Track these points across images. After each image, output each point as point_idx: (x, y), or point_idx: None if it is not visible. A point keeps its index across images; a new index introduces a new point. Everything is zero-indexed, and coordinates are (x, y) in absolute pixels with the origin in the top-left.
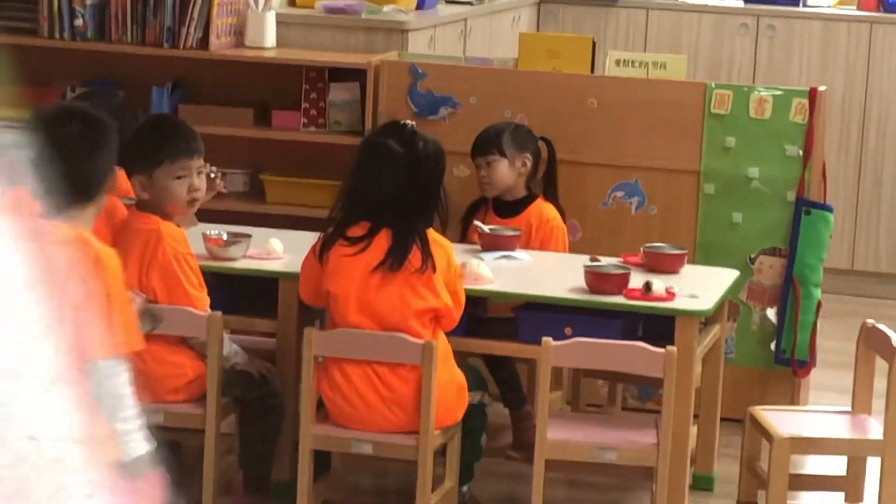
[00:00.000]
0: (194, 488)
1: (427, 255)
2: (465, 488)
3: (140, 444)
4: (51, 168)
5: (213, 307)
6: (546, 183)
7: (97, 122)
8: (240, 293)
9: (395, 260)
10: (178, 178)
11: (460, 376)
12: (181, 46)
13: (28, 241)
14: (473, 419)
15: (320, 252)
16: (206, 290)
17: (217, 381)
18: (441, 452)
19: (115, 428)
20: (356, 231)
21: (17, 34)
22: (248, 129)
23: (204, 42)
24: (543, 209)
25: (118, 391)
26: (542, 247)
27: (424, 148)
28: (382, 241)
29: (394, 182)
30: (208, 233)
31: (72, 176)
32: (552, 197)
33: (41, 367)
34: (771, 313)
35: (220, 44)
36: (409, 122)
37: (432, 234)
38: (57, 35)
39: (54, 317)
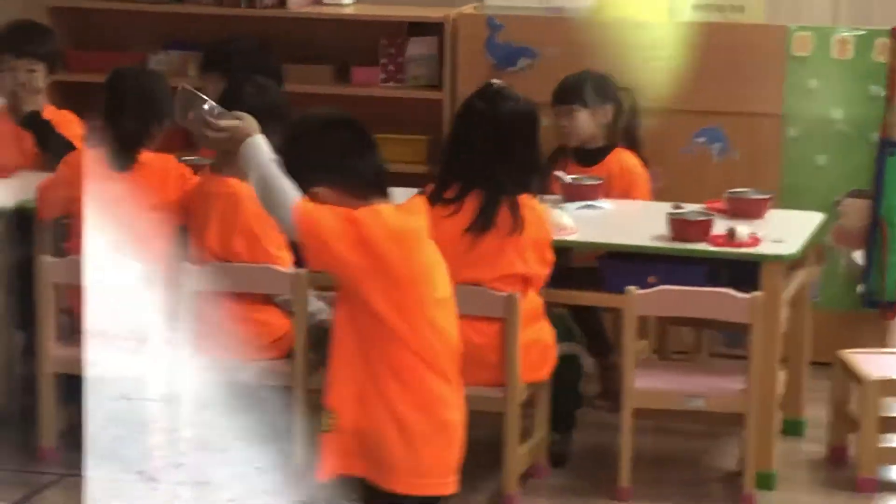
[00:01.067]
0: (285, 444)
1: (517, 218)
2: (570, 437)
3: None
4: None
5: (296, 265)
6: (628, 131)
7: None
8: None
9: (483, 223)
10: None
11: (549, 336)
12: (259, 5)
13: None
14: (568, 370)
15: None
16: (287, 249)
17: (304, 337)
18: (529, 405)
19: None
20: (449, 193)
21: None
22: (328, 86)
23: (282, 0)
24: (624, 157)
25: None
26: (625, 195)
27: (509, 106)
28: (472, 204)
29: (478, 142)
30: None
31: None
32: (634, 145)
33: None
34: (857, 255)
35: (297, 2)
36: (496, 81)
37: (526, 199)
38: None
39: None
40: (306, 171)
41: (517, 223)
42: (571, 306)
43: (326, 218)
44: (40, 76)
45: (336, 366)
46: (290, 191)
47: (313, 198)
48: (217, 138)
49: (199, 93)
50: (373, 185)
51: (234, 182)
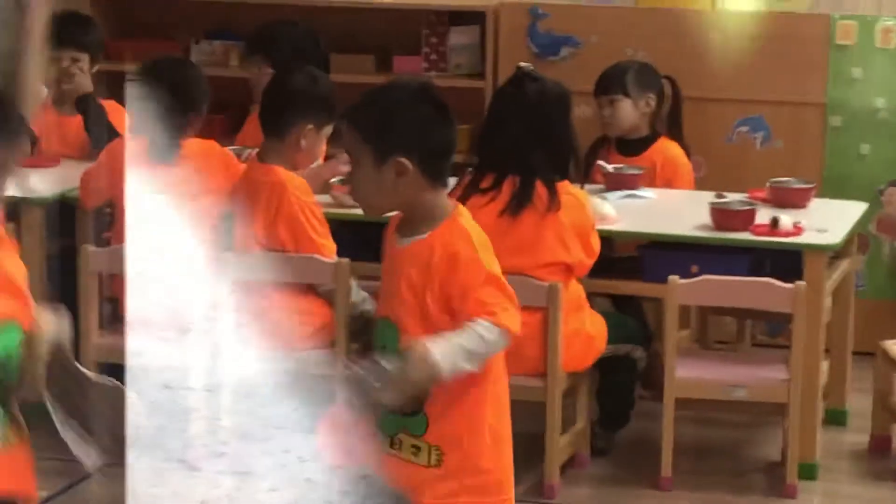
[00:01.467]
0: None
1: (553, 198)
2: (615, 435)
3: None
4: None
5: (339, 254)
6: (671, 121)
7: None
8: (366, 240)
9: (518, 203)
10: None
11: (595, 328)
12: None
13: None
14: (624, 370)
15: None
16: (331, 238)
17: (345, 327)
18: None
19: None
20: (485, 182)
21: None
22: (370, 75)
23: None
24: (668, 147)
25: None
26: (668, 186)
27: (536, 88)
28: (508, 189)
29: (509, 126)
30: (335, 181)
31: None
32: (677, 135)
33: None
34: None
35: None
36: (524, 64)
37: (567, 185)
38: None
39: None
40: (394, 137)
41: (554, 203)
42: (613, 295)
43: (504, 302)
44: (84, 66)
45: (442, 398)
46: (476, 338)
47: (396, 168)
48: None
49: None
50: (446, 167)
51: (279, 170)
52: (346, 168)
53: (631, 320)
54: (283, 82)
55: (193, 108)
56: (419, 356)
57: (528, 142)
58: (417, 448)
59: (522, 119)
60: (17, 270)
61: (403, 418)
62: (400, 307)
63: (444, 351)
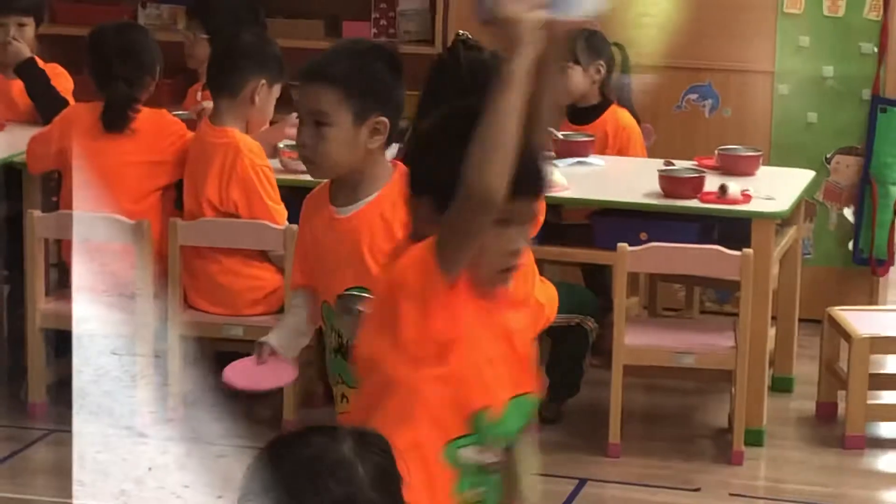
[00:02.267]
0: (275, 400)
1: None
2: (563, 405)
3: None
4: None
5: (288, 220)
6: (620, 88)
7: None
8: None
9: None
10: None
11: (544, 295)
12: None
13: None
14: (575, 341)
15: None
16: (282, 203)
17: None
18: None
19: None
20: None
21: None
22: (319, 40)
23: None
24: (619, 116)
25: None
26: (620, 154)
27: (472, 56)
28: None
29: (443, 96)
30: (282, 145)
31: None
32: (626, 102)
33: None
34: (848, 213)
35: None
36: (462, 32)
37: None
38: None
39: None
40: (376, 96)
41: None
42: (584, 268)
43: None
44: (30, 29)
45: None
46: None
47: (376, 126)
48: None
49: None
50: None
51: (233, 132)
52: (293, 131)
53: (585, 290)
54: (233, 41)
55: (144, 76)
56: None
57: (462, 111)
58: (345, 397)
59: (457, 89)
60: None
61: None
62: (370, 271)
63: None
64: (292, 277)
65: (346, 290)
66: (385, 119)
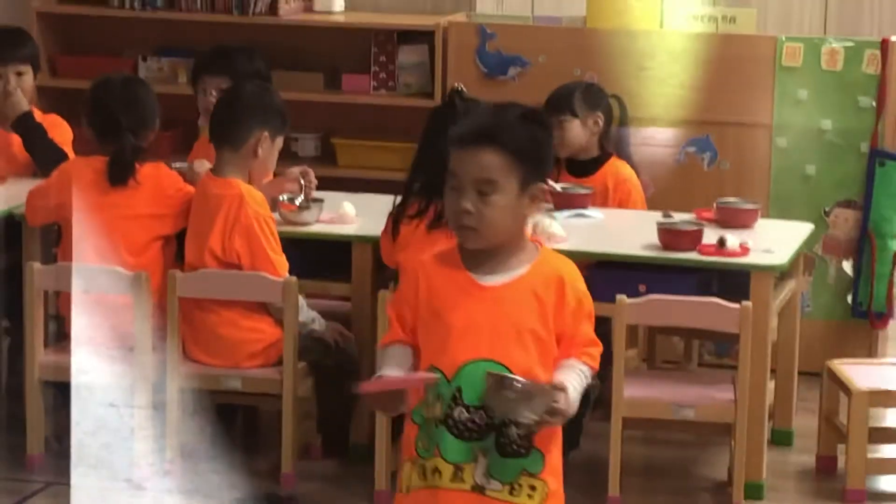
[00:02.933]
0: (273, 452)
1: None
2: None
3: None
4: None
5: (288, 272)
6: (618, 141)
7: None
8: (314, 258)
9: (436, 220)
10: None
11: None
12: (251, 13)
13: None
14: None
15: (390, 230)
16: (283, 255)
17: (293, 345)
18: None
19: None
20: (412, 210)
21: (89, 4)
22: (319, 93)
23: (273, 7)
24: (619, 168)
25: None
26: (622, 206)
27: (468, 108)
28: (433, 213)
29: (439, 148)
30: (282, 198)
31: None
32: (624, 155)
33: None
34: (847, 266)
35: (289, 9)
36: (457, 84)
37: None
38: (128, 4)
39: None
40: (542, 163)
41: None
42: None
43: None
44: (28, 78)
45: (547, 432)
46: (581, 380)
47: (537, 194)
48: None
49: (507, 374)
50: None
51: (236, 182)
52: (292, 186)
53: None
54: (237, 92)
55: (144, 130)
56: (565, 394)
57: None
58: (534, 488)
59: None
60: None
61: (518, 460)
62: (513, 346)
63: (574, 389)
64: (389, 332)
65: (474, 360)
66: (544, 186)
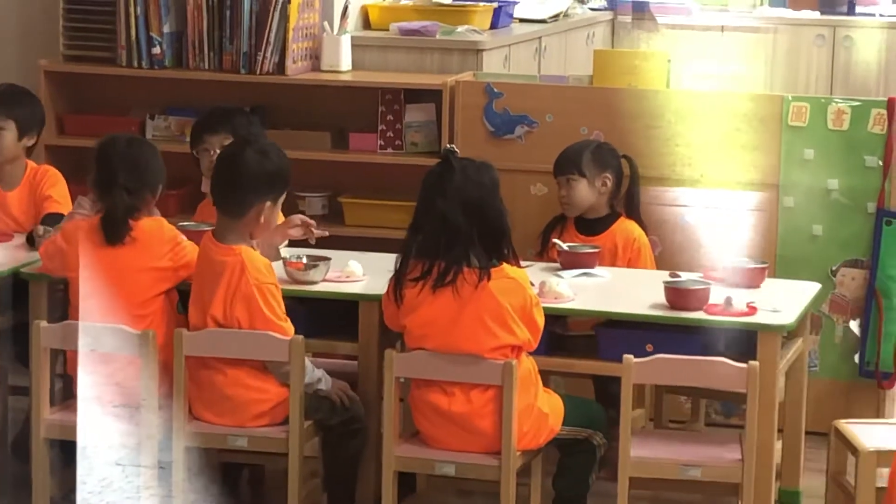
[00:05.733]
0: None
1: (484, 270)
2: None
3: None
4: None
5: (294, 331)
6: (628, 200)
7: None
8: (321, 316)
9: (438, 282)
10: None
11: (549, 406)
12: (258, 72)
13: None
14: (579, 457)
15: (393, 296)
16: (289, 321)
17: (299, 404)
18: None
19: None
20: (414, 272)
21: (96, 63)
22: (326, 152)
23: (280, 67)
24: (629, 228)
25: None
26: (631, 265)
27: (462, 168)
28: (436, 274)
29: (436, 209)
30: (288, 257)
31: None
32: (635, 214)
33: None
34: (854, 325)
35: (296, 68)
36: (450, 145)
37: (503, 270)
38: (135, 63)
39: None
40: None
41: (484, 273)
42: (595, 381)
43: None
44: (10, 135)
45: None
46: None
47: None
48: None
49: None
50: None
51: (238, 250)
52: (295, 231)
53: (595, 404)
54: (235, 162)
55: (148, 190)
56: None
57: (456, 225)
58: None
59: (448, 201)
60: None
61: None
62: None
63: None
64: None
65: None
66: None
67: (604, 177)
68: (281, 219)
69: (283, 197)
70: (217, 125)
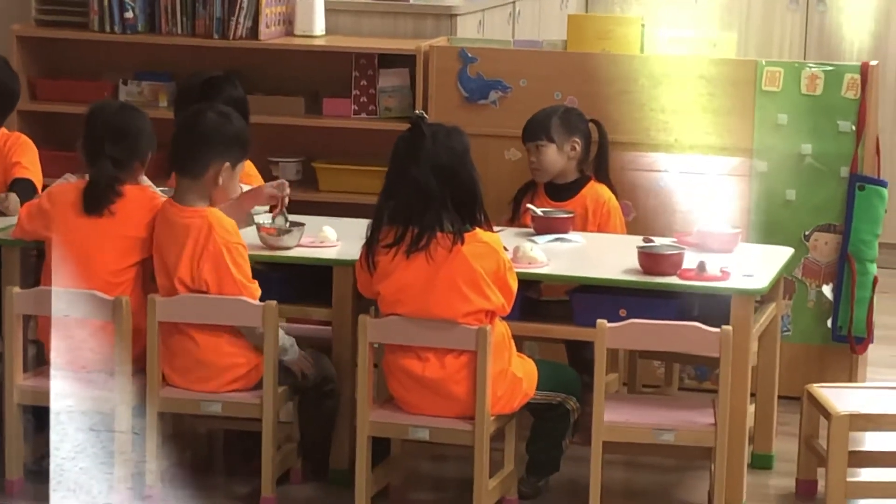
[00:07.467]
0: (253, 476)
1: (458, 235)
2: (542, 482)
3: None
4: None
5: (268, 296)
6: (598, 164)
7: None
8: (294, 282)
9: (411, 248)
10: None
11: (522, 370)
12: (231, 37)
13: None
14: (553, 421)
15: (366, 263)
16: (255, 282)
17: (273, 369)
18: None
19: None
20: (387, 238)
21: (69, 28)
22: (300, 117)
23: (254, 31)
24: (599, 191)
25: None
26: (601, 229)
27: (432, 133)
28: (408, 240)
29: (408, 176)
30: (262, 222)
31: None
32: (604, 178)
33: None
34: (827, 290)
35: (269, 33)
36: (419, 111)
37: (476, 235)
38: (108, 28)
39: None
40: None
41: (457, 238)
42: (568, 346)
43: None
44: None
45: None
46: None
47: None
48: None
49: None
50: None
51: (203, 211)
52: (269, 198)
53: (568, 369)
54: (195, 123)
55: (136, 159)
56: None
57: (428, 190)
58: None
59: (420, 166)
60: None
61: None
62: None
63: None
64: None
65: None
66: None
67: (573, 141)
68: (254, 184)
69: (242, 165)
70: (205, 97)
